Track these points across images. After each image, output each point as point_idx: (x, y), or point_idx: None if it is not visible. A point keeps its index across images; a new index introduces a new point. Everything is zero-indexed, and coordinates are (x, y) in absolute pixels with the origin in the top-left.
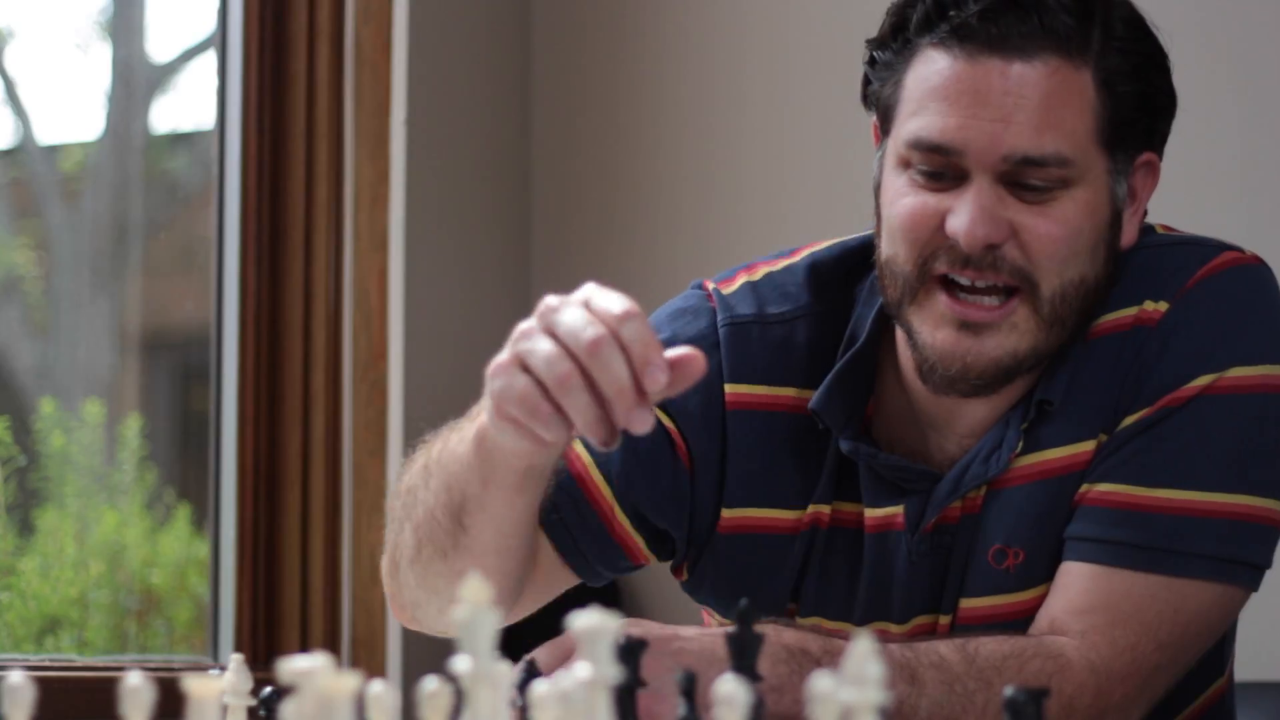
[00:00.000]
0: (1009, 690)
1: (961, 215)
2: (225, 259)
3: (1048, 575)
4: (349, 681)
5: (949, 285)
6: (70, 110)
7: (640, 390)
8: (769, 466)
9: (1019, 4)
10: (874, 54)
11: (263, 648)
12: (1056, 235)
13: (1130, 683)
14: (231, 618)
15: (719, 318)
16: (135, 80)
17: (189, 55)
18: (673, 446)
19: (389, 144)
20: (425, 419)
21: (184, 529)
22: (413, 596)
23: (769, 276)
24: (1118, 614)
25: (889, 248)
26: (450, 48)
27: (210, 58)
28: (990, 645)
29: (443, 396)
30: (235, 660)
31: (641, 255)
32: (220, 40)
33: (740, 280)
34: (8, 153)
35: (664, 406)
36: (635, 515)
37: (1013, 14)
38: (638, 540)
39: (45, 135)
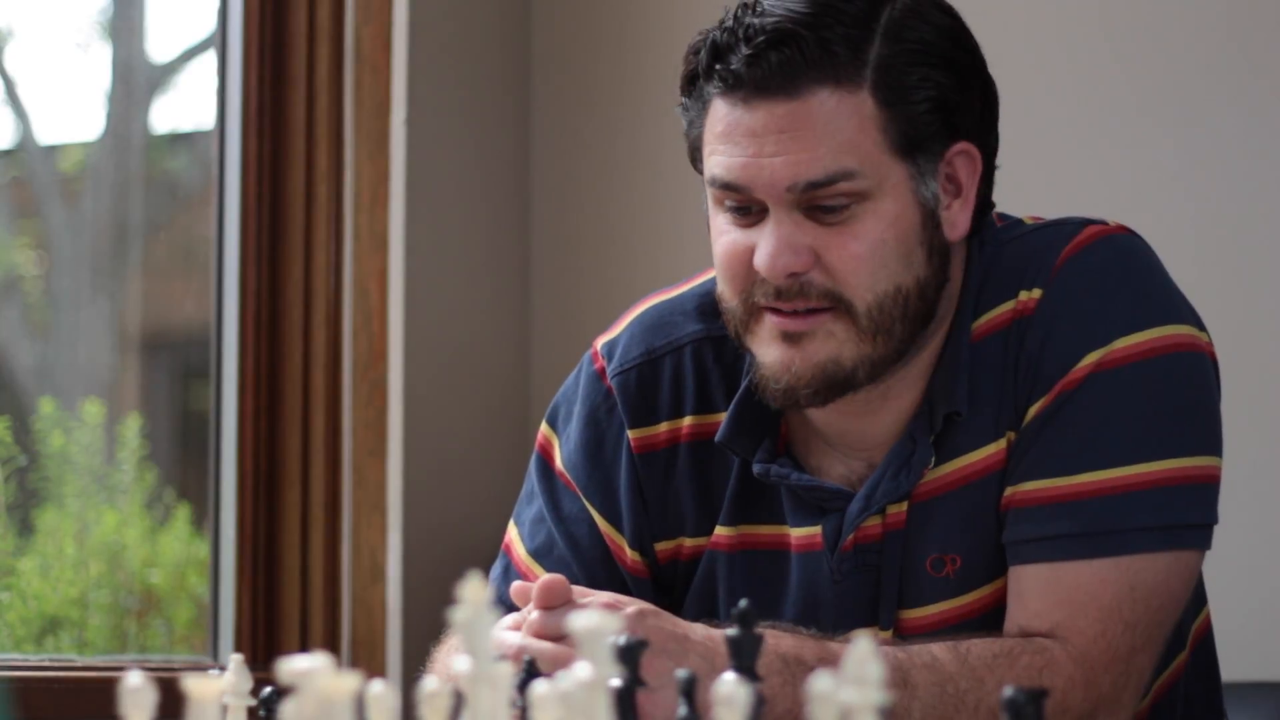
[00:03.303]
0: (1008, 691)
1: (762, 250)
2: (225, 259)
3: (986, 577)
4: (349, 681)
5: (774, 309)
6: (70, 110)
7: None
8: (676, 498)
9: (782, 43)
10: (682, 99)
11: (263, 648)
12: (859, 253)
13: (1114, 670)
14: (231, 618)
15: (608, 373)
16: (135, 80)
17: (189, 55)
18: (622, 564)
19: (389, 144)
20: (425, 419)
21: (184, 529)
22: None
23: (655, 308)
24: (1077, 606)
25: (719, 285)
26: (450, 48)
27: (210, 58)
28: (980, 645)
29: (443, 396)
30: (235, 660)
31: (641, 255)
32: (220, 40)
33: (625, 321)
34: (8, 153)
35: (601, 515)
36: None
37: (775, 55)
38: None
39: (45, 135)
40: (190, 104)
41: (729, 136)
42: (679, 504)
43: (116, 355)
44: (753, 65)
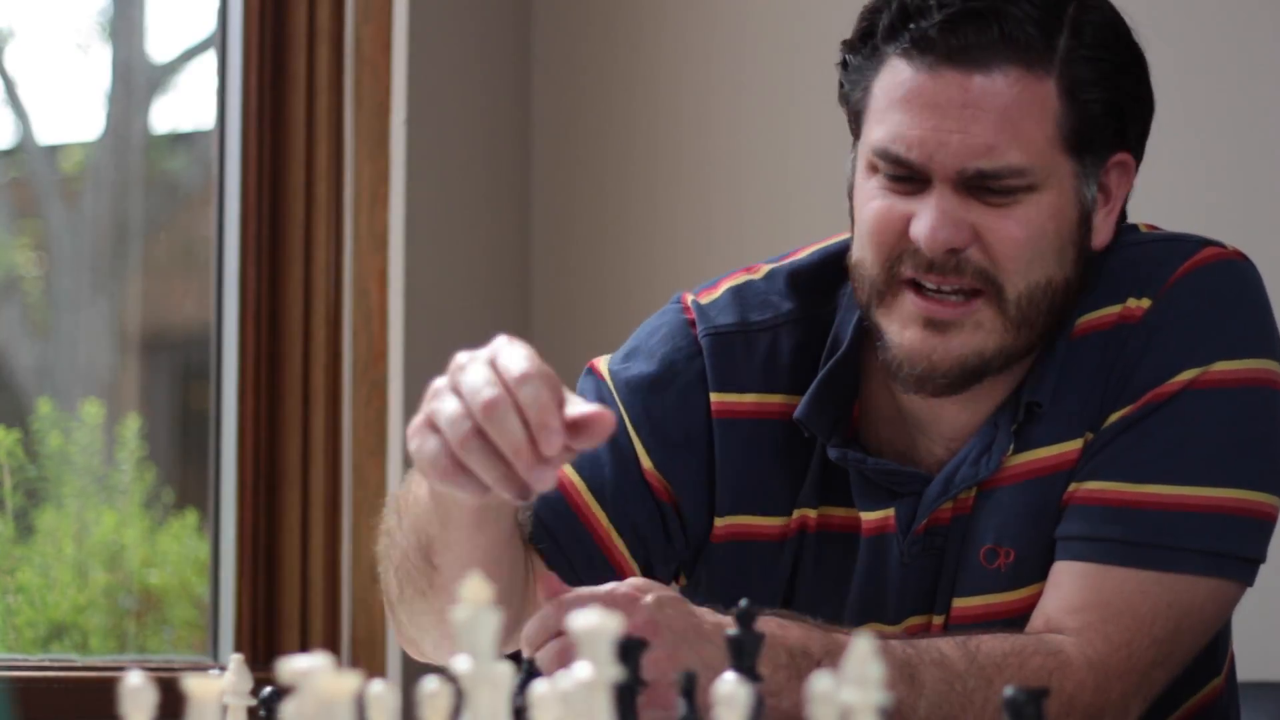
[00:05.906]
0: (1009, 690)
1: (923, 220)
2: (225, 259)
3: (1038, 574)
4: (349, 681)
5: (916, 286)
6: (70, 110)
7: (538, 451)
8: (756, 474)
9: (980, 15)
10: (846, 57)
11: (263, 648)
12: (1019, 237)
13: (1128, 679)
14: (231, 618)
15: (699, 328)
16: (135, 80)
17: (189, 55)
18: (647, 484)
19: (389, 144)
20: None
21: (184, 529)
22: (409, 634)
23: (750, 284)
24: (1111, 611)
25: (859, 251)
26: (450, 48)
27: (210, 58)
28: (991, 643)
29: None
30: (235, 660)
31: (641, 255)
32: (220, 40)
33: (722, 288)
34: (8, 153)
35: (639, 436)
36: (633, 536)
37: (973, 25)
38: (632, 565)
39: (45, 135)
40: (190, 104)
41: (908, 104)
42: (758, 480)
43: (116, 355)
44: (947, 31)
